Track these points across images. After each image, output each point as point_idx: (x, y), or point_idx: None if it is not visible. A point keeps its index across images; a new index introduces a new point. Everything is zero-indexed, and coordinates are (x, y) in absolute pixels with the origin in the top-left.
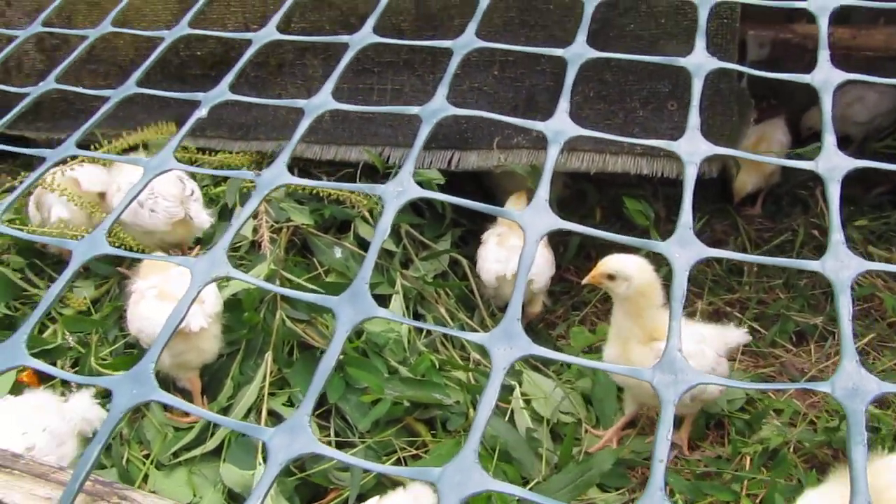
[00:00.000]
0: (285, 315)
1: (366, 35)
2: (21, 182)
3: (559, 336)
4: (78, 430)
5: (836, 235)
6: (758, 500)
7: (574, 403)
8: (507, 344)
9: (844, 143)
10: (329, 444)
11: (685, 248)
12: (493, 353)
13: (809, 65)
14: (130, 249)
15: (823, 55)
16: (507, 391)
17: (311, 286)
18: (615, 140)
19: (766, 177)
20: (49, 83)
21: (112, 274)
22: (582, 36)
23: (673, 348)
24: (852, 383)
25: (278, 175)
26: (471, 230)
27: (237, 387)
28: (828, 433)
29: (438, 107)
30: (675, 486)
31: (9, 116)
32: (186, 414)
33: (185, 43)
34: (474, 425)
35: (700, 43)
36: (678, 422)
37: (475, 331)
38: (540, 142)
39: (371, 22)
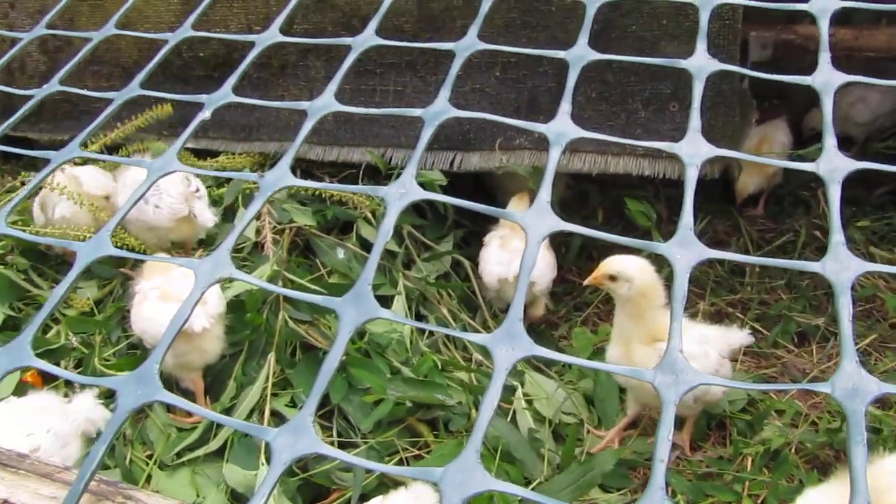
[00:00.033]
0: (288, 316)
1: (368, 37)
2: (26, 183)
3: (561, 337)
4: (82, 430)
5: (837, 237)
6: (759, 501)
7: (576, 404)
8: (509, 345)
9: (846, 144)
10: (332, 444)
11: (686, 249)
12: (495, 354)
13: (812, 66)
14: (134, 251)
15: (824, 57)
16: (509, 392)
17: (313, 287)
18: (617, 141)
19: (769, 178)
20: (53, 85)
21: (115, 275)
22: (584, 38)
23: (674, 349)
24: (852, 384)
25: (282, 177)
26: (473, 231)
27: (240, 387)
28: (829, 434)
29: (441, 109)
30: (676, 487)
31: (14, 118)
32: (189, 414)
33: (187, 44)
34: (476, 426)
35: (701, 45)
36: (680, 423)
37: (477, 332)
38: (542, 143)
39: (373, 24)
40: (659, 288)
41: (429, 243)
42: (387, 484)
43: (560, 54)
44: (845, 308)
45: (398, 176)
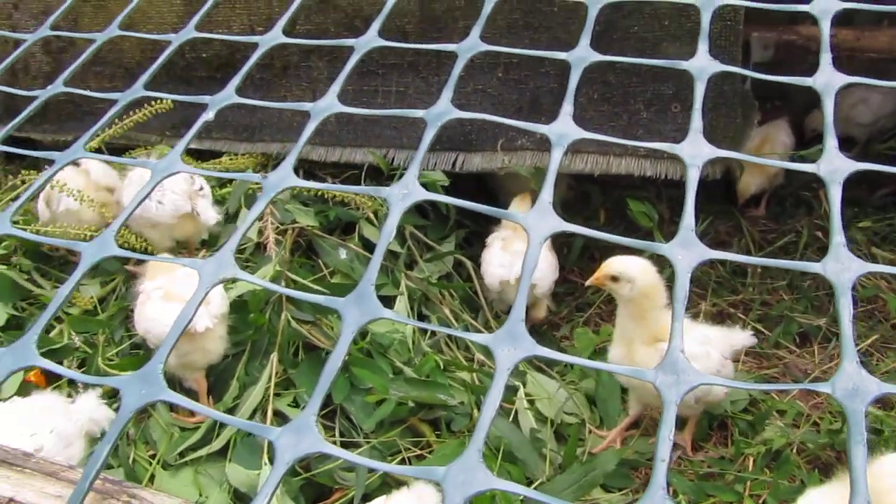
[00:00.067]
0: (291, 316)
1: (371, 38)
2: (29, 183)
3: (563, 337)
4: (85, 430)
5: (838, 237)
6: (760, 501)
7: (578, 404)
8: (511, 345)
9: (848, 145)
10: (334, 444)
11: (687, 249)
12: (497, 354)
13: (813, 67)
14: (138, 251)
15: (825, 58)
16: (511, 392)
17: (316, 287)
18: (619, 142)
19: (770, 178)
20: (57, 86)
21: (118, 271)
22: (585, 39)
23: (675, 349)
24: (852, 384)
25: (285, 177)
26: (475, 231)
27: (243, 387)
28: (831, 434)
29: (443, 110)
30: (678, 487)
31: (18, 119)
32: (192, 414)
33: (190, 45)
34: (478, 425)
35: (703, 46)
36: (681, 423)
37: (479, 332)
38: (544, 143)
39: (376, 25)
40: (661, 288)
41: (431, 244)
42: (389, 484)
43: (562, 55)
44: (846, 308)
45: (400, 177)
